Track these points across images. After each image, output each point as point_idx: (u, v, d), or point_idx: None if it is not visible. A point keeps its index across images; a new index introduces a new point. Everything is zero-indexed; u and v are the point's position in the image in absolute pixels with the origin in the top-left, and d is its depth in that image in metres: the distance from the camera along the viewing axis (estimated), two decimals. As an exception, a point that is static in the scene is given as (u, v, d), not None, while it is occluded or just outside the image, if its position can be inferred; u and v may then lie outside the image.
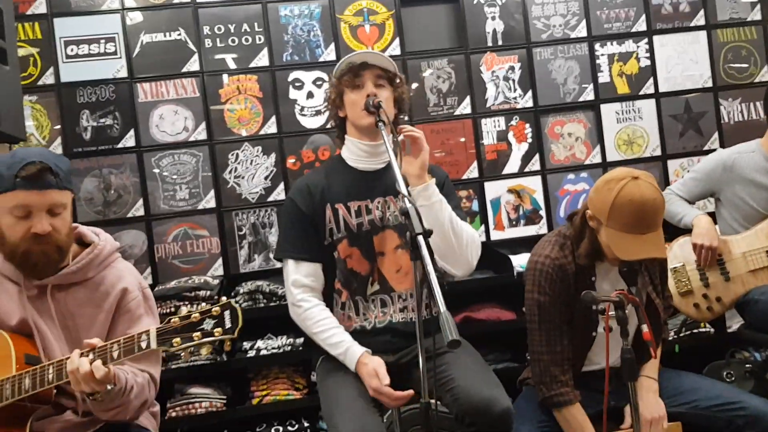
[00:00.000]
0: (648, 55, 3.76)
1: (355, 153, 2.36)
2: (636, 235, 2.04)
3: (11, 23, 2.66)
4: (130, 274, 2.05)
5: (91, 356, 1.73)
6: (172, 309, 3.04)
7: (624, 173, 2.10)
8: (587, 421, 2.18)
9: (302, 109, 3.54)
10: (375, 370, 2.10)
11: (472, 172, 3.63)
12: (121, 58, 3.43)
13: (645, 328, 1.91)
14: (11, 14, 2.68)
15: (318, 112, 3.54)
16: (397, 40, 3.60)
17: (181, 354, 1.70)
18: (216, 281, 3.24)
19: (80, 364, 1.71)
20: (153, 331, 1.70)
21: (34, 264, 1.88)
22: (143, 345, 1.70)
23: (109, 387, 1.74)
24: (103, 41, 3.42)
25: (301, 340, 3.15)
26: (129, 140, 3.43)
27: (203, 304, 1.74)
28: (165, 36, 3.46)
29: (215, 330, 1.66)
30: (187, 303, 3.08)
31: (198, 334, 1.67)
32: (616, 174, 2.11)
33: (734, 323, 3.24)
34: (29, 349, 1.89)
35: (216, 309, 1.68)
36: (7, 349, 1.85)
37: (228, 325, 1.67)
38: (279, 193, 3.50)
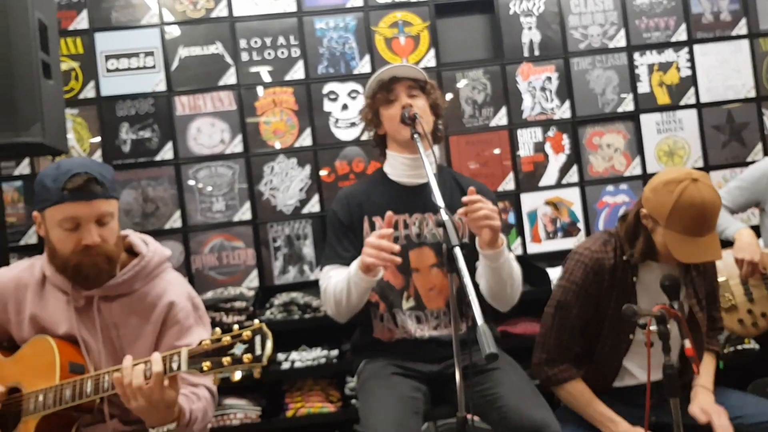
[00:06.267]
0: (689, 64, 3.69)
1: (396, 167, 2.36)
2: (695, 237, 2.03)
3: (55, 38, 2.72)
4: (179, 286, 2.01)
5: (144, 366, 1.68)
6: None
7: (683, 174, 2.05)
8: (594, 396, 2.18)
9: (337, 121, 3.55)
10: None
11: (508, 183, 3.59)
12: (159, 71, 3.48)
13: (687, 343, 1.87)
14: (55, 30, 2.73)
15: (352, 124, 3.55)
16: (432, 52, 3.59)
17: (211, 377, 1.66)
18: (251, 293, 3.25)
19: (134, 375, 1.67)
20: (185, 352, 1.66)
21: (86, 276, 1.87)
22: (174, 366, 1.66)
23: (171, 427, 1.70)
24: (142, 55, 3.48)
25: (336, 352, 3.15)
26: (167, 153, 3.47)
27: (236, 326, 1.68)
28: (202, 49, 3.50)
29: (245, 356, 1.61)
30: (223, 314, 3.10)
31: (228, 359, 1.62)
32: (674, 175, 2.06)
33: (781, 339, 3.15)
34: (75, 356, 1.89)
35: (247, 333, 1.63)
36: (51, 356, 1.86)
37: (258, 351, 1.61)
38: (313, 206, 3.51)
